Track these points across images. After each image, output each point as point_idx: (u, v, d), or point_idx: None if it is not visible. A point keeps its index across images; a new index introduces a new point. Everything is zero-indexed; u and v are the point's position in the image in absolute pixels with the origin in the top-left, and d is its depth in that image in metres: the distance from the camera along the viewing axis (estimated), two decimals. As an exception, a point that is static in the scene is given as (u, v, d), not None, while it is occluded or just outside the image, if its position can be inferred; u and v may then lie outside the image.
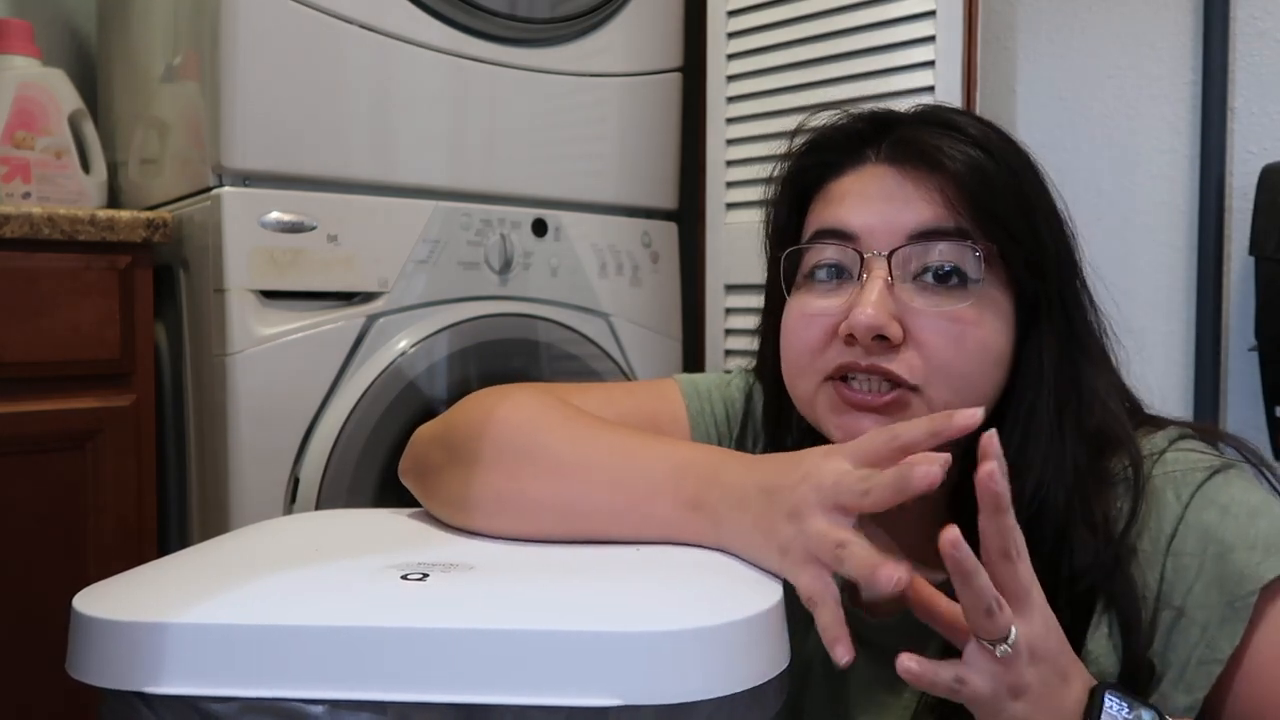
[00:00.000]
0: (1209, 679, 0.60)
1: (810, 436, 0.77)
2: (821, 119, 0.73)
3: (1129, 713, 0.53)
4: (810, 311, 0.67)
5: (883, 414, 0.64)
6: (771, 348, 0.75)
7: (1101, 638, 0.62)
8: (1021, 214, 0.66)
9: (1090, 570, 0.62)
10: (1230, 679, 0.59)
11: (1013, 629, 0.50)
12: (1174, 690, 0.60)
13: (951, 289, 0.64)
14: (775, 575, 0.55)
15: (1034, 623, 0.52)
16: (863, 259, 0.65)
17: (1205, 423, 0.70)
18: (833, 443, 0.67)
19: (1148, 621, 0.61)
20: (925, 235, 0.65)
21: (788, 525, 0.55)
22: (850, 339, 0.64)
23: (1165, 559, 0.62)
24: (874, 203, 0.66)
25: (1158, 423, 0.69)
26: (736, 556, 0.58)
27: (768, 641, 0.49)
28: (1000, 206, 0.65)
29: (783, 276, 0.71)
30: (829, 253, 0.68)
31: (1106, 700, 0.53)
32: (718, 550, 0.59)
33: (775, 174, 0.75)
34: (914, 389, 0.64)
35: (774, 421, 0.78)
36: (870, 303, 0.63)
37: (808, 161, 0.72)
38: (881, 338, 0.63)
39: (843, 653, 0.51)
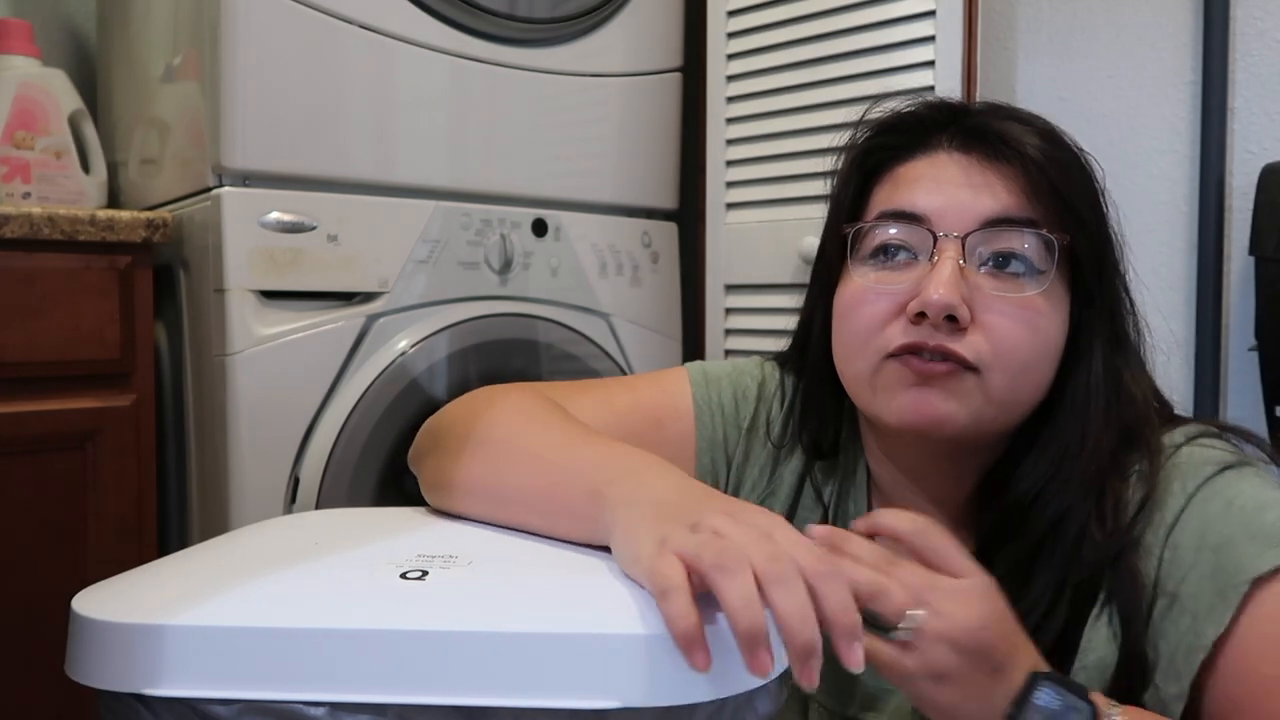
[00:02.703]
0: (1193, 667, 0.59)
1: (840, 424, 0.76)
2: (889, 104, 0.73)
3: (1059, 703, 0.54)
4: (874, 288, 0.67)
5: (943, 388, 0.63)
6: (820, 328, 0.74)
7: (1101, 627, 0.62)
8: (1092, 208, 0.67)
9: (1096, 561, 0.62)
10: (1212, 667, 0.59)
11: (916, 615, 0.53)
12: (1164, 681, 0.61)
13: (1020, 277, 0.64)
14: None
15: (951, 616, 0.53)
16: (935, 239, 0.65)
17: (1235, 424, 0.69)
18: (885, 423, 0.66)
19: (1145, 610, 0.61)
20: (1000, 222, 0.65)
21: (703, 515, 0.49)
22: (918, 318, 0.64)
23: (1164, 548, 0.62)
24: (946, 187, 0.66)
25: (1183, 422, 0.69)
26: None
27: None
28: (1076, 198, 0.66)
29: (849, 250, 0.70)
30: (896, 232, 0.67)
31: (1038, 690, 0.54)
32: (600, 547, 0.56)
33: (840, 155, 0.75)
34: (974, 370, 0.63)
35: (814, 409, 0.76)
36: (943, 282, 0.62)
37: (876, 142, 0.72)
38: (951, 319, 0.63)
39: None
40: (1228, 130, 1.31)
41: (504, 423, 0.67)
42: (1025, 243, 0.64)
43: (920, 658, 0.54)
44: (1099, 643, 0.62)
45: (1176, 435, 0.66)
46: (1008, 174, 0.65)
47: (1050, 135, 0.67)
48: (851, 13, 1.39)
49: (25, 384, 1.13)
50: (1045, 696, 0.54)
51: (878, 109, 0.74)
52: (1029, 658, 0.57)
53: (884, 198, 0.70)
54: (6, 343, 1.10)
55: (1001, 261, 0.64)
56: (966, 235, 0.64)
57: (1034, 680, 0.55)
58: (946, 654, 0.53)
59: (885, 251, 0.67)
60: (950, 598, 0.54)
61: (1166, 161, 1.37)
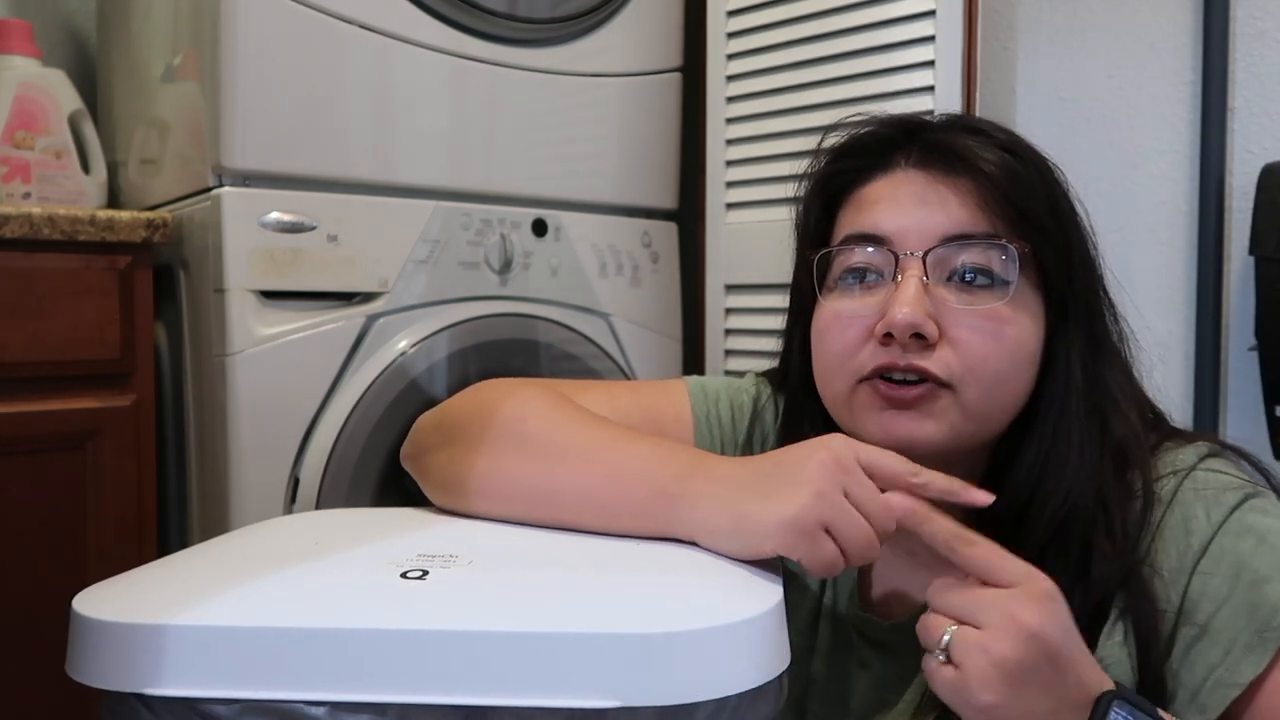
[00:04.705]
0: (1224, 702, 0.59)
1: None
2: (849, 125, 0.73)
3: None
4: (845, 313, 0.68)
5: (917, 409, 0.64)
6: (799, 350, 0.75)
7: (1115, 645, 0.62)
8: (1052, 215, 0.67)
9: (1108, 578, 0.62)
10: (1244, 705, 0.59)
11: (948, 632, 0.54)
12: (1187, 710, 0.60)
13: (985, 288, 0.65)
14: (775, 575, 0.55)
15: (998, 630, 0.52)
16: (898, 259, 0.66)
17: (1232, 442, 0.69)
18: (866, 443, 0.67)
19: (1166, 635, 0.61)
20: (958, 238, 0.65)
21: (802, 492, 0.56)
22: (886, 338, 0.64)
23: (1191, 576, 0.61)
24: (906, 207, 0.67)
25: (1185, 437, 0.69)
26: (710, 551, 0.58)
27: (767, 642, 0.49)
28: (1033, 206, 0.66)
29: (815, 278, 0.71)
30: (861, 256, 0.68)
31: (1113, 710, 0.53)
32: (689, 542, 0.59)
33: (802, 179, 0.75)
34: (948, 386, 0.64)
35: (794, 425, 0.77)
36: (907, 301, 0.63)
37: (837, 167, 0.73)
38: (918, 336, 0.63)
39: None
40: (1228, 130, 1.31)
41: (533, 417, 0.67)
42: (984, 256, 0.65)
43: (963, 673, 0.52)
44: (1112, 662, 0.61)
45: (1187, 455, 0.66)
46: (963, 188, 0.66)
47: (1009, 146, 0.68)
48: (851, 13, 1.39)
49: (25, 384, 1.13)
50: (1122, 717, 0.53)
51: (833, 135, 0.74)
52: (1094, 671, 0.55)
53: (848, 221, 0.70)
54: (6, 343, 1.10)
55: (963, 276, 0.65)
56: (927, 252, 0.65)
57: (1106, 699, 0.53)
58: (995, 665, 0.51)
59: (853, 275, 0.68)
60: (996, 609, 0.53)
61: (1166, 161, 1.37)
